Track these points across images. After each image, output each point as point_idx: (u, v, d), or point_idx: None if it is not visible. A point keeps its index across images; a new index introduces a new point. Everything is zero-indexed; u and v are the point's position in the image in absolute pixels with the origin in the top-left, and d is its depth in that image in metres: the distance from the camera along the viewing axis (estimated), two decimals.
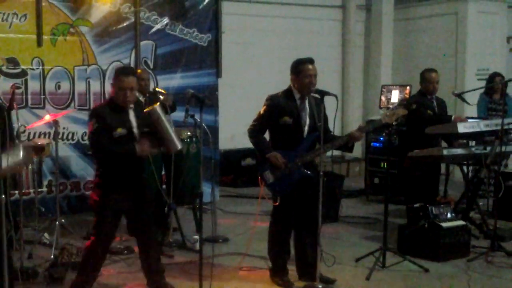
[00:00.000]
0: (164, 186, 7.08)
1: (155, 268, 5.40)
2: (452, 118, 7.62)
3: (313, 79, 5.57)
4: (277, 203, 5.63)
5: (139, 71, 6.89)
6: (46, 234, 6.84)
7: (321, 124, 5.51)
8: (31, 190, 7.08)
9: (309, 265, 5.69)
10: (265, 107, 5.69)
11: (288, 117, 5.59)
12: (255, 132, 5.71)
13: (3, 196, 3.96)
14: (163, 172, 7.15)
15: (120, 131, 5.04)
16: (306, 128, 5.64)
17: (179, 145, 5.19)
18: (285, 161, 5.54)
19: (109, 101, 5.24)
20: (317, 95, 5.63)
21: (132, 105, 5.13)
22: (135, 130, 5.13)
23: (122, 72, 5.19)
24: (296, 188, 5.60)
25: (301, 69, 5.59)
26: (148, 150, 5.10)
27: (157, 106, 5.15)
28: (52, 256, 6.10)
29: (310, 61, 5.64)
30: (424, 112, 7.68)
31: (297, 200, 5.66)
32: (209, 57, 9.38)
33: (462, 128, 7.04)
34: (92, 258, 5.18)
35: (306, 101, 5.67)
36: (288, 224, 5.79)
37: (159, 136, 5.12)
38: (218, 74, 9.47)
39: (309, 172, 5.58)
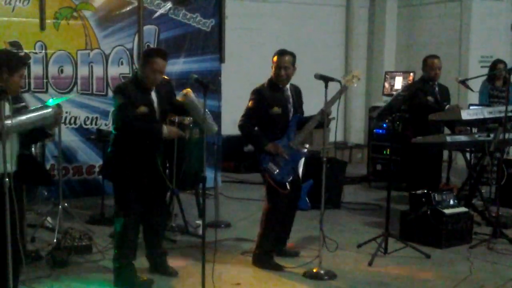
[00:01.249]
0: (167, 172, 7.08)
1: (159, 251, 5.44)
2: (446, 107, 7.62)
3: (282, 71, 5.69)
4: (288, 191, 5.68)
5: None
6: (49, 218, 6.85)
7: (324, 109, 5.58)
8: None
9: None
10: (252, 101, 5.77)
11: (277, 107, 5.70)
12: (247, 126, 5.76)
13: (7, 179, 3.94)
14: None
15: (142, 109, 5.07)
16: (290, 115, 5.78)
17: (215, 127, 5.22)
18: (277, 145, 5.66)
19: (134, 80, 5.24)
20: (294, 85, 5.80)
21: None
22: (156, 110, 5.15)
23: (155, 53, 5.18)
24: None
25: (273, 60, 5.77)
26: (176, 133, 5.13)
27: (190, 91, 5.17)
28: (55, 240, 6.11)
29: (281, 53, 5.77)
30: (424, 98, 7.67)
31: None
32: (212, 42, 9.35)
33: (465, 115, 7.03)
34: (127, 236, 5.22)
35: (289, 91, 5.81)
36: (290, 208, 5.89)
37: (193, 119, 5.19)
38: (221, 59, 9.44)
39: (305, 150, 5.69)
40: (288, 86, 5.83)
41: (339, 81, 5.58)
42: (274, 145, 5.62)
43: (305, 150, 5.85)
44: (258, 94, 5.77)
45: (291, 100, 5.81)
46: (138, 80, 5.18)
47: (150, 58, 5.12)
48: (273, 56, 5.81)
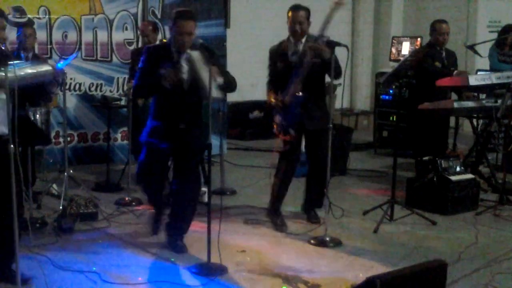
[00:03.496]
0: None
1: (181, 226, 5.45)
2: (454, 73, 7.54)
3: (297, 26, 5.72)
4: (292, 137, 5.83)
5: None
6: (54, 185, 6.85)
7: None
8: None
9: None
10: (268, 59, 5.94)
11: (280, 63, 5.83)
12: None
13: (12, 146, 3.92)
14: None
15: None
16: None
17: (214, 93, 4.88)
18: (280, 96, 5.78)
19: (165, 43, 5.18)
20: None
21: (188, 50, 5.03)
22: (184, 75, 5.04)
23: (182, 16, 5.05)
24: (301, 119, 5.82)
25: (288, 15, 5.83)
26: (172, 77, 4.95)
27: (195, 52, 5.05)
28: (60, 207, 6.12)
29: (295, 8, 5.80)
30: (432, 64, 7.60)
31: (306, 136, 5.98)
32: (217, 7, 9.25)
33: (473, 80, 6.96)
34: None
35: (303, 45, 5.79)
36: (295, 162, 6.06)
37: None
38: (226, 24, 9.35)
39: (301, 93, 5.73)
40: (303, 40, 5.80)
41: (346, 46, 5.51)
42: (271, 97, 5.87)
43: (300, 94, 5.79)
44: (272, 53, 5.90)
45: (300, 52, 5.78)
46: (166, 44, 5.16)
47: (175, 22, 5.03)
48: (288, 12, 5.81)
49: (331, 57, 5.44)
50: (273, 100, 5.84)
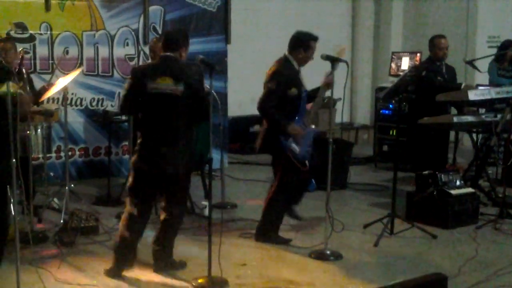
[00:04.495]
0: None
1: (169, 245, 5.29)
2: (462, 86, 7.57)
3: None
4: (307, 168, 5.87)
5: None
6: (55, 199, 6.87)
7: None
8: (40, 155, 7.09)
9: None
10: (275, 81, 5.77)
11: (295, 89, 5.80)
12: (269, 108, 5.83)
13: (14, 160, 3.96)
14: None
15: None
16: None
17: None
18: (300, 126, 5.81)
19: None
20: None
21: None
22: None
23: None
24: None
25: (311, 45, 5.82)
26: None
27: None
28: (61, 221, 6.13)
29: (315, 38, 5.86)
30: (434, 79, 7.64)
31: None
32: (218, 23, 9.29)
33: (473, 95, 6.99)
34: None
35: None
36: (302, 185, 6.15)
37: None
38: (227, 40, 9.40)
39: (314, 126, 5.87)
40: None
41: (345, 61, 5.58)
42: (295, 127, 5.76)
43: (313, 127, 5.97)
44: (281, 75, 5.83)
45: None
46: None
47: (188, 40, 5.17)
48: (309, 41, 5.83)
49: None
50: (298, 129, 5.76)
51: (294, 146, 5.76)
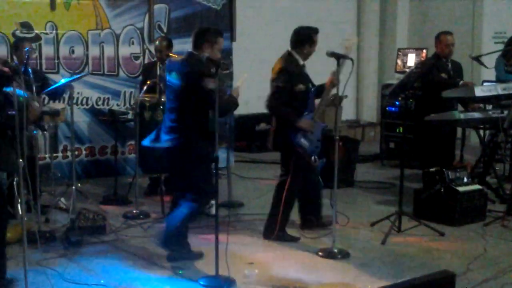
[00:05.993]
0: None
1: None
2: (460, 83, 7.54)
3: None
4: (317, 163, 5.96)
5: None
6: (62, 199, 6.87)
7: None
8: (47, 155, 7.10)
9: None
10: (282, 79, 5.80)
11: (302, 84, 5.83)
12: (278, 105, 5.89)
13: (21, 160, 3.96)
14: None
15: None
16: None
17: None
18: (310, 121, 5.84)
19: None
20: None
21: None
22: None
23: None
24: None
25: (315, 39, 5.88)
26: None
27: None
28: (69, 221, 6.14)
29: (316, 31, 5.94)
30: (438, 75, 7.60)
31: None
32: (223, 21, 9.28)
33: (479, 91, 6.96)
34: None
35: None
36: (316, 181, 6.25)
37: None
38: (232, 38, 9.38)
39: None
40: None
41: (350, 59, 5.56)
42: (306, 121, 5.78)
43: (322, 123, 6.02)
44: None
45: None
46: None
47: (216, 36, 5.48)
48: (313, 35, 5.90)
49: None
50: (308, 123, 5.79)
51: (304, 141, 5.79)
